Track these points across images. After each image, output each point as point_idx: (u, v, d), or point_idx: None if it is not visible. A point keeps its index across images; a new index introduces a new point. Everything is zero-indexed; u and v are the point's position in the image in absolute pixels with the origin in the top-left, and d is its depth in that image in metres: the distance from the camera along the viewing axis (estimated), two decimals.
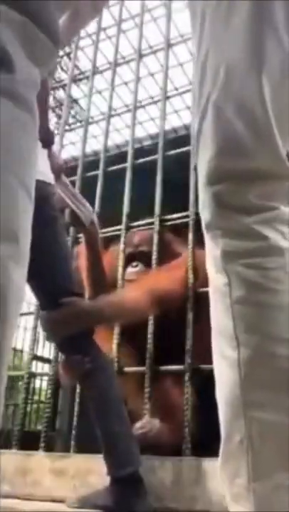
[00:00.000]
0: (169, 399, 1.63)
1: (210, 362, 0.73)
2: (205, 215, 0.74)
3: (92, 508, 1.21)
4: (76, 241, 1.95)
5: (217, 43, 0.75)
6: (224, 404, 0.68)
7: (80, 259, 1.81)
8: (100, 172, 2.12)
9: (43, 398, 3.99)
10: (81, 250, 1.82)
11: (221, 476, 0.68)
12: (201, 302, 1.63)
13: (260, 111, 0.71)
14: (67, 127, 2.89)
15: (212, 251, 0.72)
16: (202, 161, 0.75)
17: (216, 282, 0.71)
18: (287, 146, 0.73)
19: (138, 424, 1.51)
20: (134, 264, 1.87)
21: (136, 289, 1.69)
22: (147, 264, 1.82)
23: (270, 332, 0.65)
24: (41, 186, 1.35)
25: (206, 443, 1.39)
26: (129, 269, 1.85)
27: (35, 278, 1.37)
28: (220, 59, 0.74)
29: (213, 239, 0.72)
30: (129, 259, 1.87)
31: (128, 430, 1.31)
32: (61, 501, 1.35)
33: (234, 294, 0.68)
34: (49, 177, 1.44)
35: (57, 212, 1.43)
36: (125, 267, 1.84)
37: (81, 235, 1.84)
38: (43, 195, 1.36)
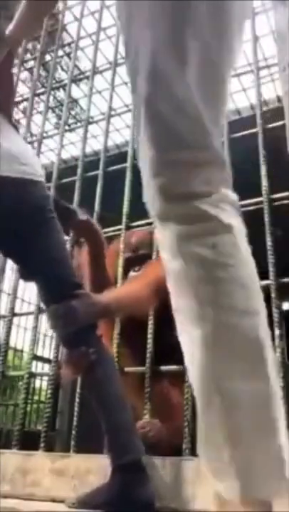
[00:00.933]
0: (166, 399, 1.64)
1: None
2: (154, 207, 0.78)
3: (93, 507, 1.21)
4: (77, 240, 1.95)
5: (139, 39, 0.79)
6: (197, 382, 0.70)
7: (83, 256, 1.82)
8: (100, 172, 2.12)
9: (43, 398, 3.99)
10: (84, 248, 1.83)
11: (201, 454, 0.70)
12: None
13: (189, 103, 0.75)
14: (67, 127, 2.90)
15: (166, 239, 0.76)
16: (143, 155, 0.79)
17: (172, 266, 0.74)
18: (220, 135, 0.79)
19: (138, 424, 1.51)
20: (136, 268, 1.88)
21: (138, 281, 1.71)
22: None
23: (229, 305, 0.69)
24: (25, 183, 1.37)
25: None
26: (132, 274, 1.87)
27: (37, 275, 1.39)
28: (144, 54, 0.78)
29: (166, 227, 0.76)
30: (129, 263, 1.87)
31: (129, 421, 1.32)
32: (61, 501, 1.35)
33: (191, 274, 0.71)
34: (37, 174, 1.43)
35: (47, 211, 1.42)
36: (126, 270, 1.84)
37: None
38: (28, 191, 1.38)
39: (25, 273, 1.48)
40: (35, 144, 2.42)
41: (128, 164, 2.04)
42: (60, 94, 3.86)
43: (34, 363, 2.20)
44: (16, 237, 1.38)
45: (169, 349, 1.59)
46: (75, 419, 1.64)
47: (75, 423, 1.63)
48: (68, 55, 3.06)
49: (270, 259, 1.54)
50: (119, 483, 1.21)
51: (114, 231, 1.94)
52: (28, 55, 3.36)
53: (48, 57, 2.89)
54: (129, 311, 1.66)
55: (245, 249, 0.73)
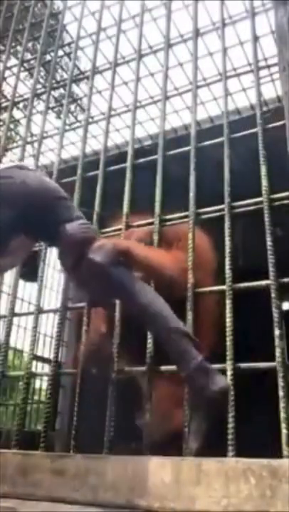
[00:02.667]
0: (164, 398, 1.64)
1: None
2: None
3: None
4: None
5: None
6: None
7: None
8: (100, 172, 2.12)
9: (43, 398, 3.99)
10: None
11: None
12: (197, 303, 1.64)
13: None
14: (67, 127, 2.89)
15: None
16: None
17: None
18: None
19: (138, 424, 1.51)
20: None
21: (168, 252, 1.74)
22: None
23: None
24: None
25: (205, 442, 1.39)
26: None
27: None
28: None
29: None
30: None
31: (183, 328, 1.42)
32: (61, 501, 1.35)
33: None
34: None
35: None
36: None
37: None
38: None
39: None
40: (35, 144, 2.42)
41: (128, 164, 2.04)
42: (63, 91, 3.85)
43: (34, 363, 2.20)
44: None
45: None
46: (75, 419, 1.64)
47: (75, 423, 1.63)
48: (68, 55, 3.06)
49: (270, 259, 1.54)
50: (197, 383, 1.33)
51: (114, 231, 1.94)
52: (28, 55, 3.36)
53: (48, 57, 2.89)
54: (146, 269, 1.67)
55: None
